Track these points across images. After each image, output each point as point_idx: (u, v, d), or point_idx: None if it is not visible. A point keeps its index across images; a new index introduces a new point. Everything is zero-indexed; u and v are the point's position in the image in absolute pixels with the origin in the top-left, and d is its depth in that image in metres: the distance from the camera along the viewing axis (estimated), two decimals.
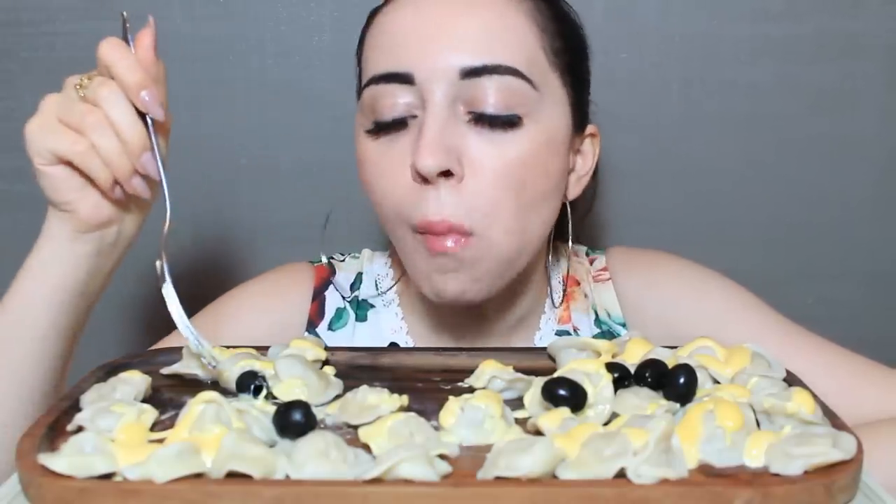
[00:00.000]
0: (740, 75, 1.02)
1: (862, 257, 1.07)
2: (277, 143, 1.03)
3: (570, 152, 0.73)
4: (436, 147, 0.64)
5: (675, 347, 0.63)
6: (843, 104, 1.03)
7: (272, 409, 0.52)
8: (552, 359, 0.65)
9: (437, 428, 0.53)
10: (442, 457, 0.48)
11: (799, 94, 1.03)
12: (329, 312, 0.81)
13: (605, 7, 1.00)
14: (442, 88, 0.66)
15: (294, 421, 0.50)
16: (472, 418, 0.52)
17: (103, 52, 0.60)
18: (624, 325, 0.80)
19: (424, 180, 0.65)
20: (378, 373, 0.64)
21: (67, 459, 0.46)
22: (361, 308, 0.81)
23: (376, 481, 0.45)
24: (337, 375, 0.62)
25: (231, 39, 1.01)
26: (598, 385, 0.55)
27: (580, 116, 0.74)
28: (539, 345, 0.78)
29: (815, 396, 0.54)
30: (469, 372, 0.62)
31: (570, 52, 0.72)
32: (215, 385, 0.61)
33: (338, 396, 0.59)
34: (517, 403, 0.57)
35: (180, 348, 0.65)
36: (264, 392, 0.57)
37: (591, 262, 0.84)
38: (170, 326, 0.81)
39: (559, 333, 0.79)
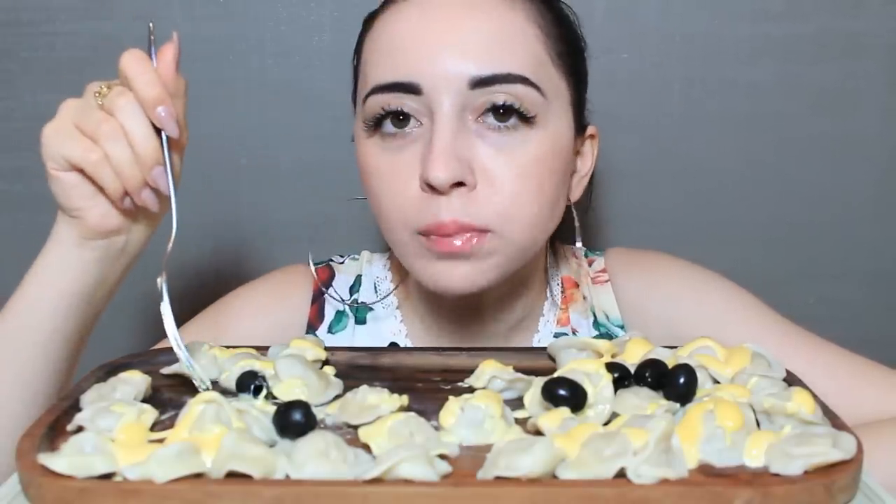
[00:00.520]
0: (741, 75, 1.02)
1: (863, 257, 1.07)
2: (277, 143, 1.03)
3: (573, 154, 0.73)
4: (448, 159, 0.64)
5: (675, 347, 0.63)
6: (844, 104, 1.03)
7: (272, 409, 0.52)
8: (552, 359, 0.65)
9: (437, 428, 0.53)
10: (442, 457, 0.48)
11: (800, 94, 1.03)
12: (329, 315, 0.81)
13: (605, 7, 1.00)
14: (450, 98, 0.65)
15: (294, 421, 0.50)
16: (472, 418, 0.52)
17: (124, 64, 0.60)
18: (622, 328, 0.80)
19: (434, 190, 0.65)
20: (378, 373, 0.64)
21: (67, 459, 0.46)
22: (361, 311, 0.81)
23: (376, 481, 0.45)
24: (337, 375, 0.62)
25: (231, 39, 1.01)
26: (598, 385, 0.55)
27: (580, 118, 0.74)
28: (563, 337, 0.78)
29: (815, 396, 0.54)
30: (469, 372, 0.62)
31: (572, 54, 0.72)
32: (215, 385, 0.61)
33: (338, 396, 0.59)
34: (517, 403, 0.57)
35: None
36: (264, 392, 0.57)
37: (590, 264, 0.83)
38: None
39: (557, 336, 0.79)
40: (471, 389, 0.59)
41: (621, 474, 0.45)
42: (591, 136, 0.76)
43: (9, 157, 1.04)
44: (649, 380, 0.57)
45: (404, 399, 0.57)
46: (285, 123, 1.03)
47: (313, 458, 0.46)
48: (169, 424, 0.53)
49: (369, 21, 0.72)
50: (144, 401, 0.57)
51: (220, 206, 1.05)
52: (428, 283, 0.69)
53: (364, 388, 0.57)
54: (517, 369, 0.61)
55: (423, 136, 0.66)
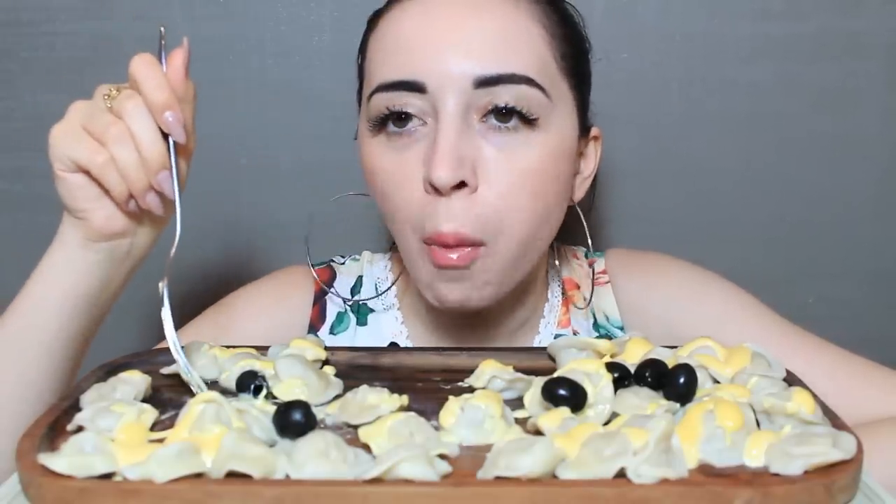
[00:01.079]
0: (741, 74, 1.02)
1: (863, 256, 1.07)
2: (277, 143, 1.03)
3: (577, 156, 0.73)
4: (451, 159, 0.64)
5: (675, 347, 0.63)
6: (844, 103, 1.03)
7: (272, 409, 0.52)
8: (552, 359, 0.65)
9: (437, 428, 0.53)
10: (442, 457, 0.48)
11: (800, 94, 1.03)
12: (330, 316, 0.81)
13: (605, 6, 1.00)
14: (455, 97, 0.65)
15: (294, 421, 0.50)
16: (472, 418, 0.52)
17: (134, 67, 0.60)
18: (622, 329, 0.80)
19: (437, 191, 0.65)
20: (378, 373, 0.64)
21: (67, 459, 0.46)
22: (362, 312, 0.81)
23: (376, 481, 0.45)
24: (337, 375, 0.62)
25: (231, 39, 1.01)
26: (598, 385, 0.55)
27: (584, 119, 0.74)
28: (564, 337, 0.78)
29: (815, 396, 0.54)
30: (469, 372, 0.62)
31: (576, 55, 0.72)
32: (215, 385, 0.61)
33: (338, 396, 0.59)
34: (517, 403, 0.57)
35: (181, 348, 0.65)
36: (264, 392, 0.57)
37: (591, 265, 0.83)
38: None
39: (558, 337, 0.79)
40: (471, 389, 0.59)
41: (621, 474, 0.45)
42: (595, 138, 0.76)
43: (9, 157, 1.04)
44: (649, 380, 0.57)
45: (404, 399, 0.57)
46: (285, 123, 1.03)
47: (313, 458, 0.46)
48: (169, 424, 0.53)
49: (374, 20, 0.72)
50: (144, 401, 0.57)
51: (221, 206, 1.05)
52: (428, 294, 0.70)
53: (364, 388, 0.57)
54: (517, 369, 0.61)
55: (428, 135, 0.66)
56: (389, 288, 0.81)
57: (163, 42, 0.63)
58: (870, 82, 1.03)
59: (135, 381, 0.58)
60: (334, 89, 1.01)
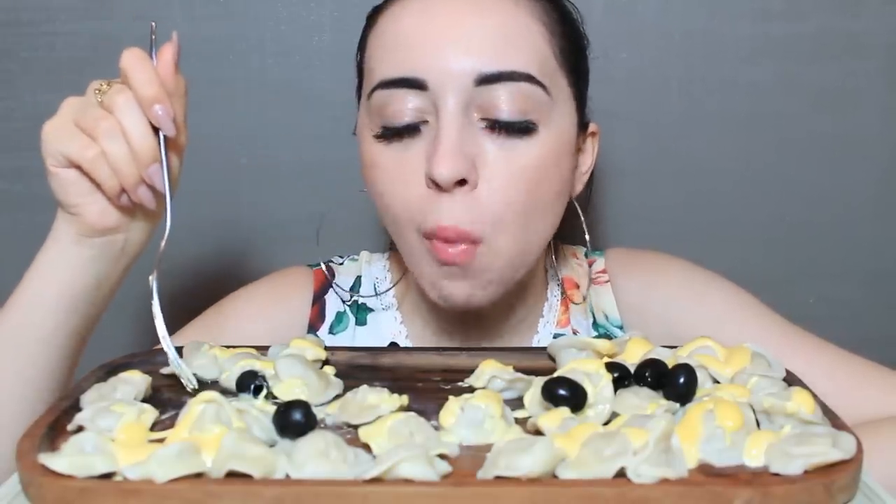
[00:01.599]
0: (741, 74, 1.02)
1: (863, 256, 1.07)
2: (277, 143, 1.03)
3: (576, 151, 0.73)
4: (453, 155, 0.64)
5: (675, 347, 0.63)
6: (844, 103, 1.03)
7: (272, 409, 0.52)
8: (552, 359, 0.65)
9: (437, 428, 0.53)
10: (442, 457, 0.48)
11: (800, 93, 1.03)
12: (329, 316, 0.81)
13: (605, 5, 1.00)
14: (456, 95, 0.65)
15: (294, 421, 0.50)
16: (472, 418, 0.52)
17: (124, 62, 0.60)
18: (621, 328, 0.80)
19: (439, 187, 0.65)
20: (378, 373, 0.64)
21: (68, 459, 0.46)
22: (361, 312, 0.81)
23: (376, 481, 0.45)
24: (337, 375, 0.62)
25: (231, 39, 1.01)
26: (598, 385, 0.55)
27: (582, 115, 0.74)
28: (564, 336, 0.78)
29: (814, 396, 0.54)
30: (469, 372, 0.62)
31: (575, 52, 0.72)
32: (215, 385, 0.61)
33: (338, 396, 0.59)
34: (517, 403, 0.57)
35: (180, 348, 0.65)
36: (264, 392, 0.57)
37: (590, 264, 0.83)
38: (171, 326, 0.81)
39: (557, 337, 0.79)
40: (471, 389, 0.59)
41: (621, 474, 0.45)
42: (593, 134, 0.76)
43: (9, 157, 1.04)
44: (649, 380, 0.57)
45: (404, 399, 0.57)
46: (285, 123, 1.03)
47: (313, 457, 0.46)
48: (169, 424, 0.53)
49: (373, 16, 0.72)
50: (144, 401, 0.57)
51: (220, 206, 1.05)
52: (431, 291, 0.69)
53: (364, 388, 0.57)
54: (517, 369, 0.61)
55: (429, 132, 0.67)
56: (391, 287, 0.81)
57: (153, 37, 0.63)
58: (870, 82, 1.03)
59: (135, 381, 0.58)
60: (334, 89, 1.01)
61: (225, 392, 0.57)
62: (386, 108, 0.67)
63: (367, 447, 0.50)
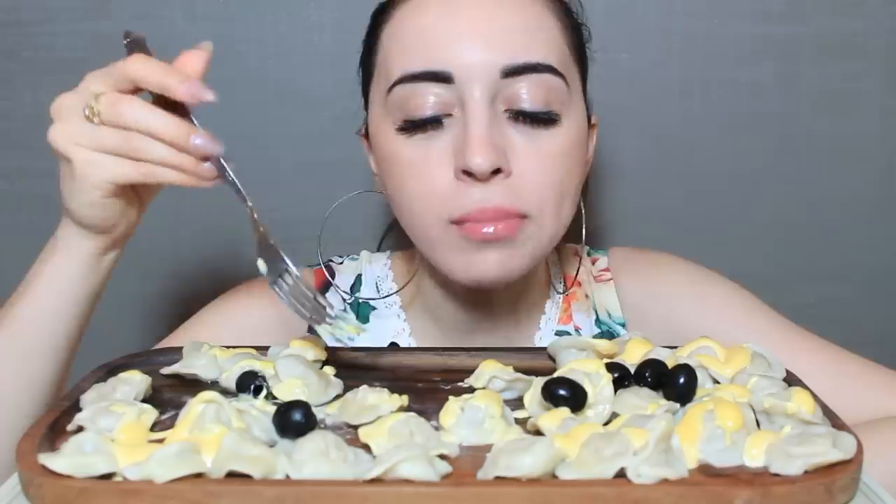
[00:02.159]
0: (741, 75, 1.02)
1: (863, 257, 1.07)
2: (277, 143, 1.03)
3: (586, 141, 0.75)
4: (486, 146, 0.65)
5: (675, 347, 0.63)
6: (844, 104, 1.03)
7: (272, 409, 0.52)
8: (552, 359, 0.65)
9: (437, 428, 0.53)
10: (442, 457, 0.48)
11: (800, 94, 1.03)
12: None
13: (605, 6, 1.00)
14: (482, 87, 0.66)
15: (294, 421, 0.50)
16: (472, 418, 0.52)
17: (131, 69, 0.59)
18: (624, 326, 0.80)
19: (472, 178, 0.66)
20: (378, 373, 0.64)
21: (67, 459, 0.46)
22: (362, 310, 0.81)
23: (376, 481, 0.45)
24: (337, 375, 0.62)
25: (231, 39, 1.01)
26: (598, 385, 0.55)
27: (587, 107, 0.75)
28: (539, 345, 0.78)
29: (814, 396, 0.54)
30: (469, 372, 0.62)
31: (581, 45, 0.74)
32: (215, 385, 0.61)
33: (338, 396, 0.59)
34: (517, 403, 0.57)
35: (180, 348, 0.65)
36: (264, 392, 0.57)
37: (593, 263, 0.84)
38: (170, 326, 0.81)
39: (559, 333, 0.79)
40: (471, 389, 0.59)
41: (621, 474, 0.45)
42: (593, 126, 0.78)
43: (9, 157, 1.03)
44: (649, 380, 0.57)
45: (404, 399, 0.57)
46: (285, 123, 1.03)
47: (313, 457, 0.46)
48: (169, 424, 0.53)
49: (384, 13, 0.72)
50: (144, 401, 0.57)
51: (220, 205, 1.04)
52: (459, 273, 0.69)
53: (364, 388, 0.57)
54: (517, 369, 0.61)
55: (454, 125, 0.67)
56: (399, 290, 0.81)
57: (127, 42, 0.63)
58: (870, 83, 1.03)
59: (135, 381, 0.58)
60: (334, 89, 1.01)
61: (225, 392, 0.57)
62: (408, 102, 0.67)
63: (367, 447, 0.50)
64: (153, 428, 0.53)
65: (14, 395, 0.65)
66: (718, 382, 0.58)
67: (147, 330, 1.05)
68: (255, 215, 0.59)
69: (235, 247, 1.06)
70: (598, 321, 0.81)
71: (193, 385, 0.61)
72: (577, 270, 0.81)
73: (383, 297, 0.81)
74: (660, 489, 0.45)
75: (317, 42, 1.02)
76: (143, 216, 0.68)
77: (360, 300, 0.82)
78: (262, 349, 0.65)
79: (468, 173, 0.65)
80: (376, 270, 0.84)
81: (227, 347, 0.65)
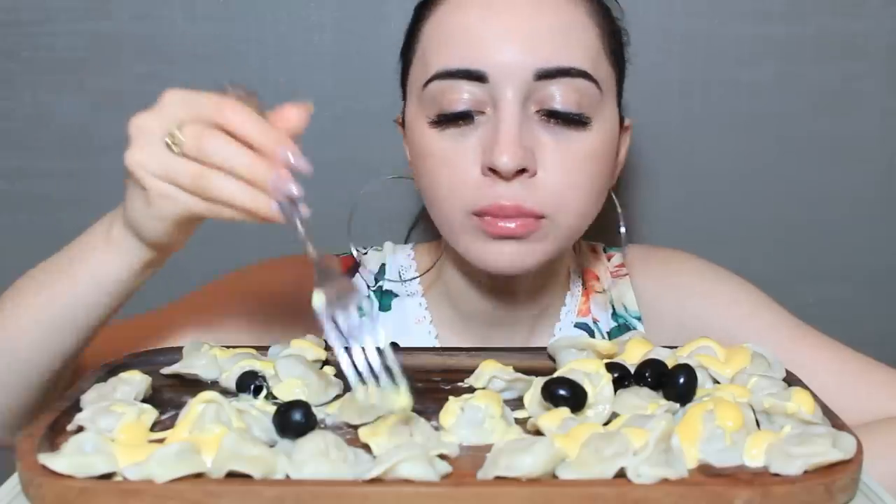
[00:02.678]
0: (741, 75, 1.02)
1: (863, 257, 1.07)
2: None
3: (617, 144, 0.75)
4: (515, 146, 0.66)
5: (675, 347, 0.63)
6: (844, 104, 1.03)
7: (272, 409, 0.52)
8: (552, 359, 0.65)
9: (437, 428, 0.53)
10: (442, 457, 0.48)
11: (800, 95, 1.03)
12: None
13: None
14: (515, 88, 0.67)
15: (294, 421, 0.50)
16: (472, 418, 0.52)
17: (226, 117, 0.56)
18: (639, 319, 0.82)
19: (497, 175, 0.67)
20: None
21: (68, 459, 0.46)
22: (385, 297, 0.82)
23: (376, 481, 0.45)
24: (337, 375, 0.62)
25: (231, 39, 1.01)
26: (598, 385, 0.55)
27: (621, 110, 0.76)
28: (558, 336, 0.78)
29: (814, 396, 0.54)
30: (469, 372, 0.62)
31: (619, 50, 0.75)
32: (215, 385, 0.61)
33: (338, 396, 0.59)
34: (517, 403, 0.57)
35: (180, 348, 0.65)
36: (264, 392, 0.57)
37: (609, 259, 0.86)
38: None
39: (578, 325, 0.81)
40: (471, 389, 0.59)
41: (621, 474, 0.45)
42: (626, 129, 0.78)
43: (9, 157, 1.03)
44: (649, 380, 0.57)
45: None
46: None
47: (313, 457, 0.46)
48: (169, 424, 0.53)
49: (426, 7, 0.73)
50: (144, 401, 0.57)
51: None
52: (475, 260, 0.70)
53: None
54: (517, 369, 0.61)
55: (486, 123, 0.68)
56: (423, 273, 0.82)
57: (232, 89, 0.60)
58: (870, 83, 1.02)
59: (135, 381, 0.58)
60: (334, 89, 1.01)
61: (225, 392, 0.57)
62: (443, 97, 0.69)
63: (367, 447, 0.50)
64: (153, 428, 0.53)
65: (36, 360, 0.64)
66: (718, 382, 0.58)
67: None
68: (314, 256, 0.56)
69: (237, 246, 1.06)
70: (614, 315, 0.83)
71: (193, 385, 0.61)
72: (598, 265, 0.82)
73: (405, 281, 0.83)
74: (660, 489, 0.45)
75: (317, 42, 1.02)
76: None
77: (384, 287, 0.83)
78: (262, 349, 0.65)
79: (494, 171, 0.67)
80: (400, 260, 0.85)
81: (227, 347, 0.65)
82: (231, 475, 0.45)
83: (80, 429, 0.51)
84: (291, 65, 1.02)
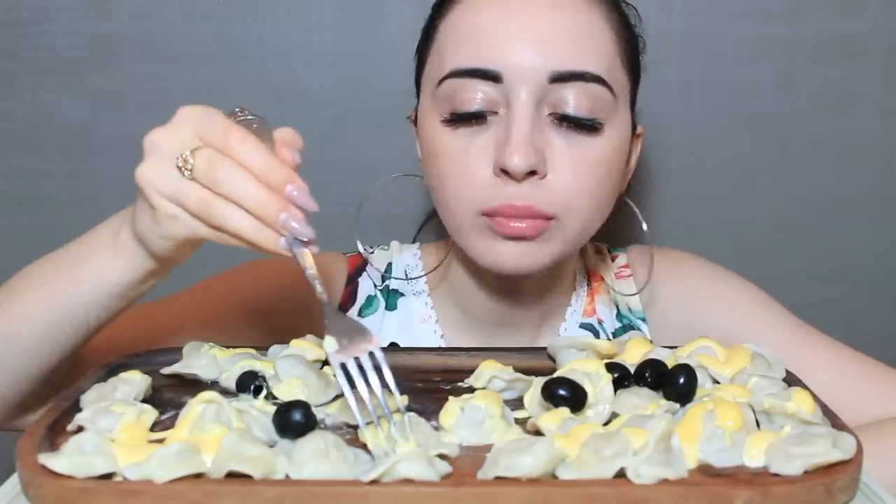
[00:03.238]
0: (741, 75, 1.02)
1: (863, 257, 1.07)
2: None
3: (629, 150, 0.75)
4: (526, 148, 0.66)
5: (675, 347, 0.63)
6: (843, 104, 1.03)
7: (272, 409, 0.52)
8: (552, 359, 0.65)
9: (437, 428, 0.53)
10: (442, 457, 0.48)
11: (799, 95, 1.03)
12: (360, 299, 0.82)
13: None
14: (529, 90, 0.67)
15: (294, 421, 0.50)
16: (472, 418, 0.52)
17: (239, 151, 0.55)
18: (643, 320, 0.82)
19: (508, 176, 0.67)
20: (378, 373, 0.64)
21: (67, 459, 0.46)
22: (392, 296, 0.83)
23: (376, 481, 0.45)
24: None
25: (231, 39, 1.01)
26: (597, 385, 0.55)
27: (634, 117, 0.76)
28: (563, 336, 0.79)
29: (814, 396, 0.54)
30: (469, 372, 0.62)
31: (634, 56, 0.75)
32: (215, 385, 0.61)
33: (338, 396, 0.58)
34: (517, 403, 0.57)
35: (180, 348, 0.65)
36: (264, 392, 0.57)
37: (613, 259, 0.86)
38: None
39: (583, 326, 0.81)
40: (471, 389, 0.59)
41: (621, 474, 0.45)
42: (638, 135, 0.79)
43: (9, 157, 1.04)
44: (649, 380, 0.57)
45: (404, 399, 0.57)
46: (285, 123, 1.03)
47: (313, 458, 0.46)
48: (169, 424, 0.53)
49: (444, 5, 0.73)
50: (144, 401, 0.57)
51: None
52: (483, 259, 0.71)
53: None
54: (517, 369, 0.61)
55: (498, 123, 0.69)
56: (430, 272, 0.82)
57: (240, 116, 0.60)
58: (869, 83, 1.03)
59: (135, 381, 0.58)
60: (334, 89, 1.01)
61: (225, 392, 0.57)
62: (457, 96, 0.69)
63: (366, 447, 0.50)
64: (153, 428, 0.53)
65: (36, 351, 0.63)
66: (718, 382, 0.58)
67: None
68: (324, 297, 0.54)
69: (234, 249, 1.06)
70: (619, 315, 0.83)
71: (193, 385, 0.61)
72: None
73: (410, 280, 0.83)
74: (660, 489, 0.45)
75: (317, 42, 1.02)
76: None
77: (391, 287, 0.83)
78: (262, 349, 0.65)
79: (505, 171, 0.67)
80: (406, 259, 0.85)
81: (227, 347, 0.65)
82: (231, 475, 0.45)
83: (80, 429, 0.51)
84: (291, 65, 1.02)
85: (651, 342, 0.65)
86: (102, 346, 0.67)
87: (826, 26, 1.01)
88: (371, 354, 0.51)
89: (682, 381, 0.55)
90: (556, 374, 0.56)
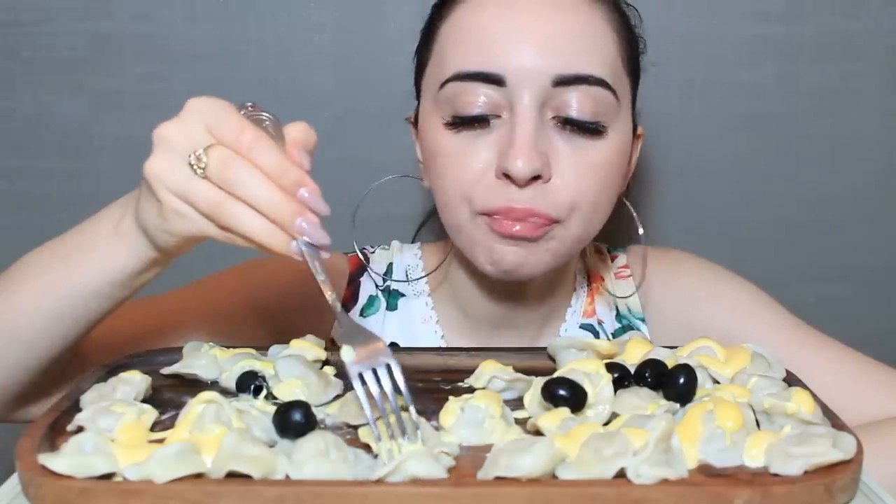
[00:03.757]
0: (741, 76, 1.02)
1: (863, 257, 1.07)
2: None
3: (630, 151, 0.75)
4: (530, 152, 0.66)
5: (675, 347, 0.63)
6: (843, 105, 1.03)
7: (272, 409, 0.52)
8: (552, 359, 0.65)
9: (437, 428, 0.53)
10: None
11: (799, 95, 1.03)
12: (362, 299, 0.82)
13: None
14: (533, 93, 0.67)
15: (294, 421, 0.50)
16: (472, 418, 0.52)
17: (253, 151, 0.54)
18: (643, 321, 0.82)
19: (510, 180, 0.67)
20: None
21: (67, 459, 0.46)
22: (393, 297, 0.83)
23: (376, 481, 0.45)
24: (337, 375, 0.62)
25: (231, 39, 1.01)
26: (597, 385, 0.55)
27: (634, 117, 0.76)
28: (564, 336, 0.79)
29: (814, 396, 0.54)
30: (469, 372, 0.62)
31: (635, 58, 0.74)
32: (215, 385, 0.61)
33: (338, 396, 0.59)
34: (517, 403, 0.57)
35: (180, 348, 0.65)
36: (264, 392, 0.57)
37: (612, 260, 0.86)
38: None
39: (584, 326, 0.81)
40: (471, 389, 0.59)
41: (621, 474, 0.45)
42: (639, 136, 0.79)
43: (9, 157, 1.04)
44: (649, 380, 0.57)
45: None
46: (285, 123, 1.03)
47: (313, 458, 0.46)
48: (169, 424, 0.53)
49: (445, 6, 0.73)
50: (144, 401, 0.57)
51: None
52: (481, 259, 0.70)
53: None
54: (517, 369, 0.61)
55: (501, 126, 0.68)
56: (430, 273, 0.82)
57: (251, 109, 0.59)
58: (869, 84, 1.03)
59: (135, 381, 0.58)
60: (334, 89, 1.01)
61: (225, 392, 0.57)
62: (459, 99, 0.69)
63: (367, 447, 0.50)
64: (153, 428, 0.53)
65: (36, 343, 0.63)
66: (718, 382, 0.58)
67: None
68: (337, 306, 0.54)
69: (237, 248, 1.06)
70: (618, 316, 0.83)
71: (193, 385, 0.61)
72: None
73: (411, 281, 0.82)
74: (660, 489, 0.45)
75: (317, 42, 1.02)
76: None
77: (391, 287, 0.83)
78: (262, 349, 0.65)
79: (507, 175, 0.66)
80: (407, 259, 0.85)
81: (227, 347, 0.65)
82: (231, 475, 0.45)
83: (79, 429, 0.51)
84: (291, 65, 1.02)
85: (651, 342, 0.65)
86: (103, 339, 0.67)
87: (826, 26, 1.01)
88: (388, 367, 0.51)
89: (682, 381, 0.55)
90: (556, 375, 0.56)
